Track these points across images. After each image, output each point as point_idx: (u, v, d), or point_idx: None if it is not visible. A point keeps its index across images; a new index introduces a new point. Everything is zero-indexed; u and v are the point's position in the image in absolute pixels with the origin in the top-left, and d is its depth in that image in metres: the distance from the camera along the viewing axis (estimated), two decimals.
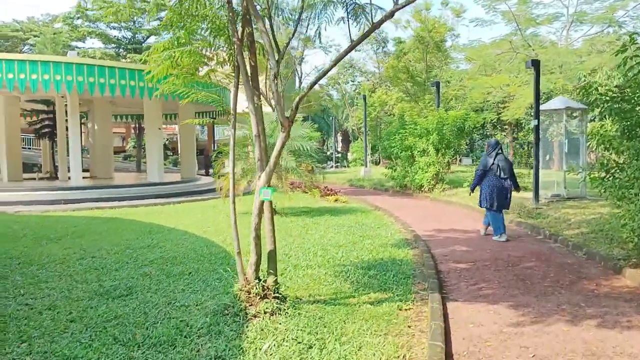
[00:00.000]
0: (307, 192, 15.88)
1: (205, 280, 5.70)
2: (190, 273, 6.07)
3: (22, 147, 26.26)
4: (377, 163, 33.51)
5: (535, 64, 11.92)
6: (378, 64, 31.81)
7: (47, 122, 19.46)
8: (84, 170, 26.49)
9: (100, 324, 4.37)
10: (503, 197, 8.39)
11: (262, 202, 4.48)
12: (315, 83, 4.28)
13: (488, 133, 42.56)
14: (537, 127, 12.02)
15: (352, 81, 36.68)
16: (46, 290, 5.39)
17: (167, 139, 35.15)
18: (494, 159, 8.44)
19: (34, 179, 19.08)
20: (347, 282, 5.63)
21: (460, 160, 38.62)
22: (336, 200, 14.22)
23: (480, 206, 8.83)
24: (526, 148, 36.47)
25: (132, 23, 28.18)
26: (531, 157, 31.26)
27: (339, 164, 37.14)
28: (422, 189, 16.21)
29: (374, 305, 4.81)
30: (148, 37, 29.59)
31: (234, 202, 4.76)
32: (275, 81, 4.17)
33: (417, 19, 20.30)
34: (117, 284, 5.57)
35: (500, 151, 8.55)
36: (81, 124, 26.12)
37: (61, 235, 8.85)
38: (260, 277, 4.65)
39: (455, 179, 17.94)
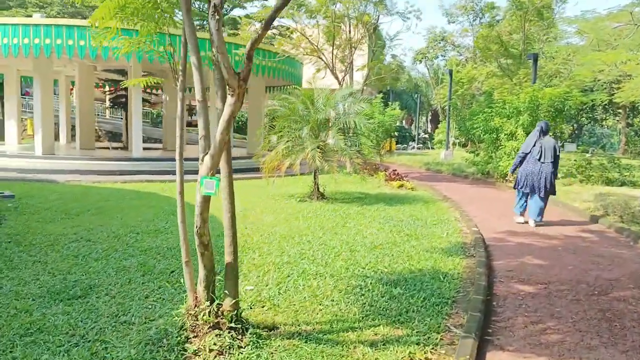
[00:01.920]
0: (372, 175, 14.51)
1: (181, 285, 4.57)
2: (172, 272, 4.98)
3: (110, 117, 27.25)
4: (464, 145, 30.85)
5: None
6: (473, 36, 28.91)
7: (122, 92, 19.59)
8: (158, 142, 27.10)
9: (11, 338, 3.39)
10: (538, 181, 8.08)
11: (207, 199, 3.18)
12: (269, 23, 2.85)
13: (598, 117, 37.81)
14: None
15: (442, 56, 33.93)
16: (1, 281, 4.58)
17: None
18: (538, 141, 8.20)
19: (108, 148, 19.39)
20: (357, 303, 4.22)
21: (562, 147, 34.67)
22: (401, 187, 12.59)
23: (514, 187, 8.70)
24: None
25: None
26: None
27: (421, 145, 34.87)
28: (507, 179, 14.02)
29: (376, 347, 3.39)
30: (232, 8, 29.25)
31: (181, 193, 3.52)
32: (216, 17, 2.78)
33: None
34: (81, 280, 4.63)
35: (547, 134, 8.29)
36: (155, 95, 26.54)
37: (83, 210, 8.25)
38: (217, 297, 3.40)
39: None
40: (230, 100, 2.87)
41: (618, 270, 5.72)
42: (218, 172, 3.25)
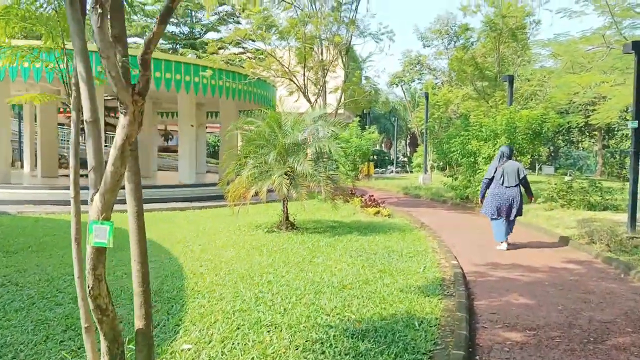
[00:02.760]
0: (347, 201, 13.89)
1: None
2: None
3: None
4: (443, 169, 30.57)
5: (637, 47, 9.09)
6: (448, 59, 28.94)
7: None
8: None
9: None
10: (505, 206, 8.10)
11: (100, 250, 2.47)
12: (165, 16, 2.22)
13: (574, 139, 38.10)
14: (637, 131, 9.15)
15: (418, 79, 33.89)
16: None
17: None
18: (499, 166, 8.23)
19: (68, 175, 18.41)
20: None
21: (540, 169, 34.69)
22: (377, 213, 11.99)
23: (483, 212, 8.67)
24: (618, 157, 31.94)
25: (189, 18, 27.47)
26: (624, 169, 27.09)
27: (399, 169, 34.52)
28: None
29: None
30: (205, 32, 28.81)
31: (77, 239, 2.82)
32: (99, 10, 2.11)
33: (490, 1, 17.44)
34: None
35: (511, 158, 8.35)
36: (116, 117, 25.67)
37: (24, 247, 7.43)
38: None
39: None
40: (123, 120, 2.20)
41: (612, 310, 5.13)
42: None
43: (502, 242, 8.34)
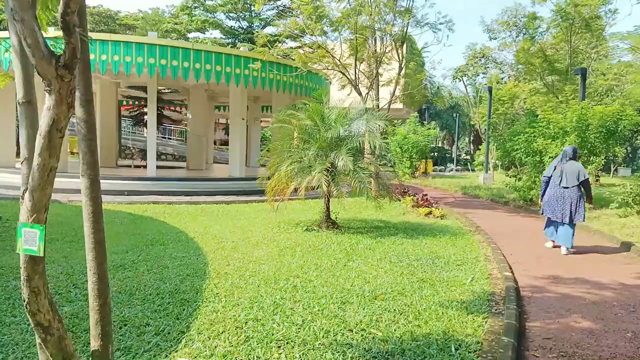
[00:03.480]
0: (399, 200, 13.28)
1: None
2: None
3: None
4: (507, 168, 28.90)
5: None
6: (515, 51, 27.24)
7: (144, 110, 19.15)
8: (179, 160, 26.60)
9: None
10: (562, 208, 7.75)
11: (35, 259, 2.05)
12: None
13: None
14: None
15: (483, 74, 32.17)
16: None
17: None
18: (559, 165, 7.96)
19: (130, 166, 18.89)
20: None
21: (616, 171, 32.08)
22: (428, 214, 11.23)
23: (541, 213, 8.38)
24: None
25: (248, 13, 27.51)
26: None
27: (461, 167, 33.08)
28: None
29: None
30: (264, 26, 28.76)
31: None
32: None
33: None
34: None
35: (574, 159, 7.96)
36: (178, 112, 26.11)
37: (61, 237, 7.43)
38: None
39: (602, 195, 13.68)
40: (48, 101, 1.77)
41: None
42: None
43: (548, 240, 8.28)
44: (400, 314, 4.46)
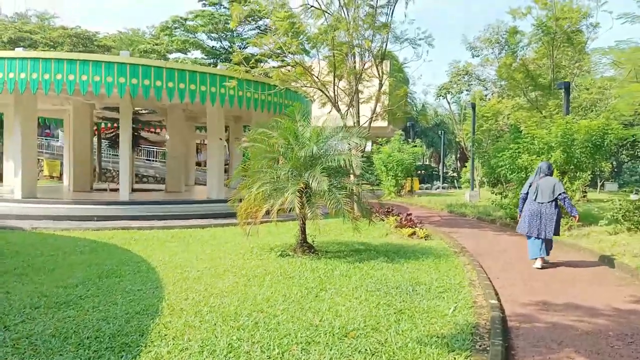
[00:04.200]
0: (383, 220, 12.82)
1: None
2: None
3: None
4: (494, 185, 28.62)
5: None
6: (497, 67, 27.20)
7: (118, 132, 18.59)
8: (161, 182, 25.93)
9: None
10: (537, 223, 7.86)
11: None
12: None
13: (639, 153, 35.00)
14: None
15: (467, 90, 32.13)
16: None
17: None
18: (535, 182, 8.06)
19: (105, 190, 18.23)
20: None
21: (602, 186, 31.97)
22: (412, 235, 10.74)
23: (517, 230, 8.48)
24: None
25: (229, 33, 27.25)
26: None
27: (447, 184, 32.77)
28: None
29: None
30: (245, 47, 28.52)
31: None
32: None
33: (541, 3, 15.83)
34: None
35: (549, 174, 8.09)
36: (157, 133, 25.53)
37: (10, 269, 6.80)
38: None
39: (590, 212, 13.31)
40: None
41: None
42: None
43: (536, 260, 8.01)
44: (372, 354, 3.93)
